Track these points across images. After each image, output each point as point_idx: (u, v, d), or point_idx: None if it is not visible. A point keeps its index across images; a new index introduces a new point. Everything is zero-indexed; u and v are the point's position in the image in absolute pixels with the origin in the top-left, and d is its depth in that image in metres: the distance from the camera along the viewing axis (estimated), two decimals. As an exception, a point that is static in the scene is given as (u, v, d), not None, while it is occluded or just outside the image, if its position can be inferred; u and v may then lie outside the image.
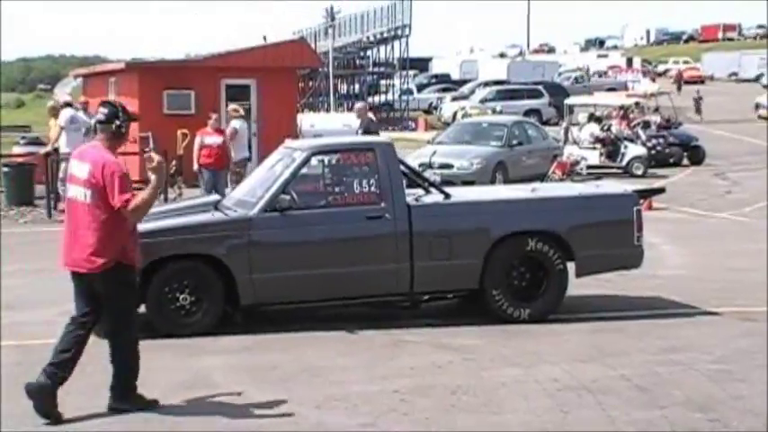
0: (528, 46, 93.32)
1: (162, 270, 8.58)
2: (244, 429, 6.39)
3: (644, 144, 27.20)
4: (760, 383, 7.21)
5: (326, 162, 9.44)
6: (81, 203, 6.48)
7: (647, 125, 29.32)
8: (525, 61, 72.45)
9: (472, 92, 52.72)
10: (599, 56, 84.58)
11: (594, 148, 26.26)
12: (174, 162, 18.25)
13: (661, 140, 28.41)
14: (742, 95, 55.49)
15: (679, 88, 57.75)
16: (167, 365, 7.71)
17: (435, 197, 9.74)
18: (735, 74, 75.13)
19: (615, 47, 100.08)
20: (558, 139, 27.23)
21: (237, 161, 16.79)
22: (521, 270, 9.39)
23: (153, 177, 6.39)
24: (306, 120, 29.76)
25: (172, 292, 8.71)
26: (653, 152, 27.39)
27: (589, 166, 24.91)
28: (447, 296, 9.80)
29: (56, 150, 17.64)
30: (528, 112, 41.31)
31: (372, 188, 9.20)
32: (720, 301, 10.32)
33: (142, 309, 8.60)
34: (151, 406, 6.69)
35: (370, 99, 49.44)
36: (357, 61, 50.88)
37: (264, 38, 41.57)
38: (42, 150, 19.09)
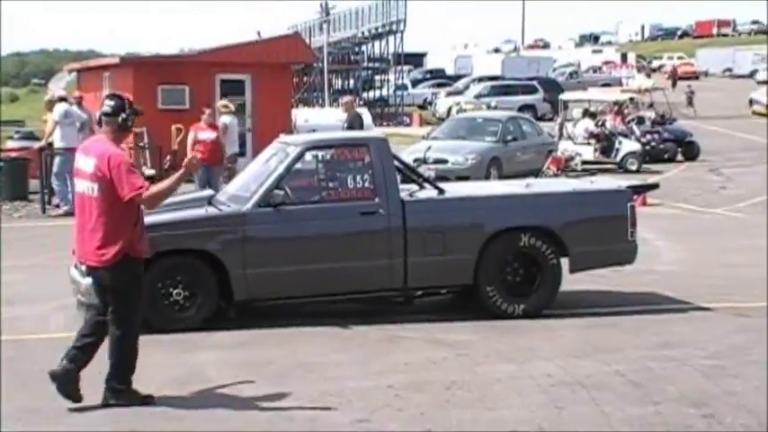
0: (522, 41, 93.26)
1: (155, 265, 8.56)
2: (238, 425, 6.39)
3: (638, 140, 27.21)
4: (754, 379, 7.23)
5: (320, 157, 9.43)
6: (88, 197, 6.52)
7: (641, 121, 29.34)
8: (520, 57, 72.46)
9: (467, 87, 52.67)
10: (593, 51, 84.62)
11: (589, 144, 26.27)
12: (168, 157, 18.23)
13: (655, 136, 28.43)
14: (736, 91, 55.55)
15: (674, 84, 57.84)
16: (162, 361, 7.70)
17: (429, 193, 9.74)
18: (729, 70, 75.22)
19: (610, 42, 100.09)
20: (552, 134, 27.22)
21: (228, 157, 16.78)
22: (514, 266, 9.40)
23: (182, 171, 6.46)
24: (300, 115, 29.72)
25: (165, 287, 8.69)
26: (647, 148, 27.41)
27: (584, 162, 24.93)
28: (441, 292, 9.80)
29: (50, 145, 17.59)
30: (522, 108, 41.29)
31: (366, 183, 9.20)
32: (714, 297, 10.33)
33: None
34: (146, 401, 6.68)
35: (364, 94, 49.44)
36: (352, 56, 50.82)
37: (259, 33, 41.52)
38: (36, 145, 19.04)
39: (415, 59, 68.70)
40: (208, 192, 10.70)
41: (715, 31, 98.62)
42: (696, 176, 25.53)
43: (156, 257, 8.58)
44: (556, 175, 21.85)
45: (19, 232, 15.18)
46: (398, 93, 50.05)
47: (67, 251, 9.51)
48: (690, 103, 44.59)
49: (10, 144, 22.68)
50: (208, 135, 16.13)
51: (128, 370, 6.66)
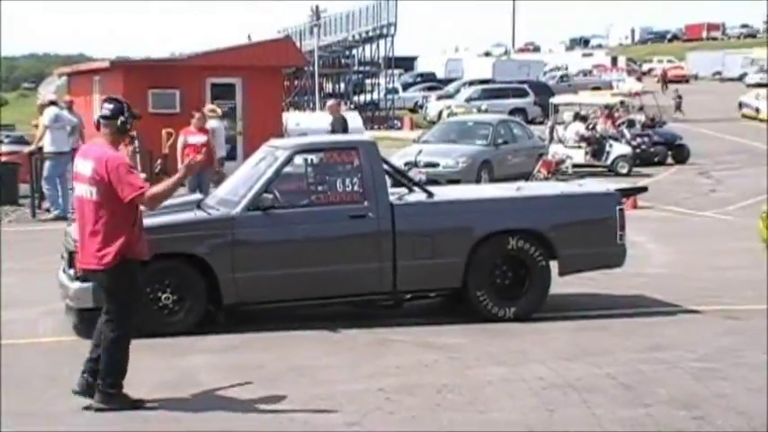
0: (513, 45, 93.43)
1: (144, 269, 8.55)
2: (229, 429, 6.38)
3: (629, 143, 27.29)
4: (743, 381, 7.25)
5: (309, 161, 9.42)
6: (87, 200, 6.54)
7: (631, 124, 29.43)
8: (510, 60, 72.52)
9: (457, 91, 52.75)
10: (584, 55, 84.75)
11: (580, 147, 26.33)
12: (159, 161, 18.19)
13: (646, 139, 28.51)
14: (726, 94, 55.73)
15: (665, 86, 57.95)
16: (152, 365, 7.68)
17: (419, 196, 9.75)
18: (719, 73, 75.44)
19: (600, 46, 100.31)
20: (543, 137, 27.28)
21: (216, 160, 16.76)
22: (503, 269, 9.40)
23: (181, 172, 6.51)
24: (291, 118, 29.70)
25: (154, 291, 8.67)
26: (638, 151, 27.48)
27: (574, 165, 24.98)
28: (430, 295, 9.80)
29: (40, 149, 17.55)
30: (513, 111, 41.37)
31: (355, 187, 9.20)
32: (704, 300, 10.36)
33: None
34: (137, 406, 6.67)
35: (355, 98, 49.47)
36: (342, 60, 50.86)
37: (249, 37, 41.56)
38: (27, 149, 19.00)
39: (406, 63, 68.71)
40: (197, 195, 10.69)
41: (705, 34, 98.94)
42: (686, 179, 25.60)
43: (144, 261, 8.57)
44: (546, 179, 21.90)
45: (9, 236, 15.13)
46: (389, 96, 50.10)
47: (57, 255, 9.51)
48: (678, 108, 44.67)
49: (0, 148, 22.59)
50: (198, 139, 16.10)
51: (119, 373, 6.64)
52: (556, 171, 23.63)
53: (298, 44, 38.94)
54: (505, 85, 50.08)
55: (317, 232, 9.10)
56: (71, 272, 8.66)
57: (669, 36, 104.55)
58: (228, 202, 9.18)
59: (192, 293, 8.75)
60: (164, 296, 8.68)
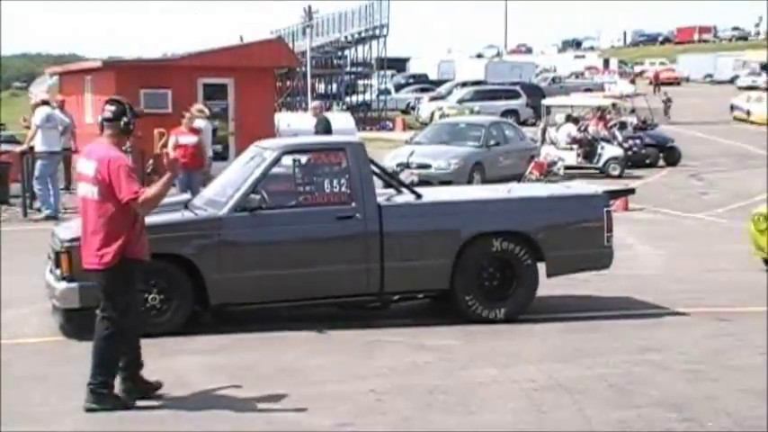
0: (505, 47, 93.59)
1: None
2: (219, 429, 6.38)
3: (620, 145, 27.34)
4: (734, 383, 7.27)
5: (297, 162, 9.40)
6: (90, 200, 6.61)
7: (623, 126, 29.47)
8: (503, 62, 72.56)
9: (450, 92, 52.74)
10: (576, 57, 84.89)
11: (571, 149, 26.37)
12: (150, 161, 18.14)
13: (637, 141, 28.56)
14: (717, 97, 55.86)
15: (657, 89, 58.01)
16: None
17: (406, 197, 9.74)
18: (710, 75, 75.61)
19: (592, 48, 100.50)
20: (535, 139, 27.32)
21: None
22: (490, 270, 9.39)
23: (168, 173, 6.54)
24: (283, 119, 29.66)
25: (141, 292, 8.62)
26: (629, 153, 27.54)
27: (566, 167, 25.00)
28: (417, 296, 9.79)
29: (31, 149, 17.50)
30: (505, 113, 41.38)
31: (343, 188, 9.18)
32: (695, 302, 10.39)
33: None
34: (128, 406, 6.67)
35: (347, 99, 49.44)
36: (335, 61, 50.81)
37: (241, 37, 41.52)
38: (18, 149, 18.94)
39: (398, 64, 68.69)
40: (185, 196, 10.67)
41: (696, 36, 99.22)
42: (677, 182, 25.66)
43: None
44: (538, 180, 21.91)
45: (0, 236, 15.07)
46: (381, 97, 50.11)
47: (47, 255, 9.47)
48: (666, 112, 44.77)
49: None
50: (189, 139, 16.07)
51: (110, 373, 6.65)
52: (547, 173, 23.63)
53: (290, 45, 38.95)
54: (497, 87, 50.08)
55: (305, 233, 9.08)
56: (57, 272, 8.64)
57: (661, 38, 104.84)
58: (216, 203, 9.15)
59: (179, 294, 8.71)
60: (150, 296, 8.64)
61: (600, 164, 26.24)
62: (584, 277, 10.59)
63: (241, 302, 9.03)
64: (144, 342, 8.17)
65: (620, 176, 25.39)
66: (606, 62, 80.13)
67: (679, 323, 9.48)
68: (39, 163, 17.13)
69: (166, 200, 10.11)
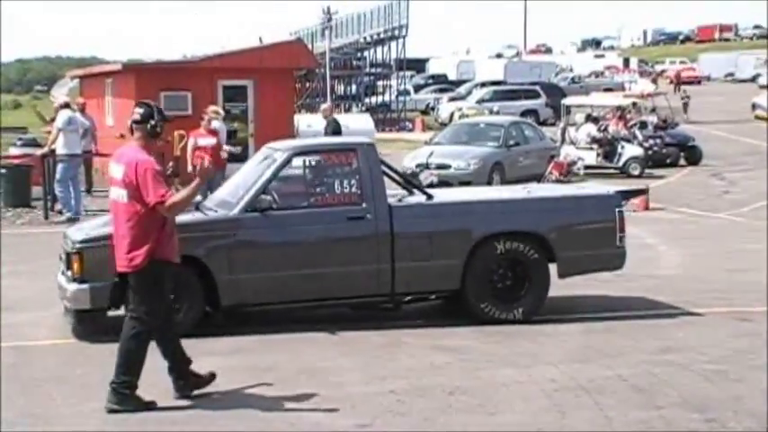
0: (525, 46, 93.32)
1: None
2: (241, 430, 6.39)
3: (641, 144, 27.23)
4: (757, 384, 7.22)
5: (308, 163, 9.40)
6: (120, 204, 6.70)
7: (643, 125, 29.34)
8: (522, 62, 72.41)
9: (469, 92, 52.70)
10: (596, 56, 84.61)
11: (591, 149, 26.29)
12: (171, 164, 18.21)
13: (658, 141, 28.43)
14: (739, 96, 55.53)
15: (677, 88, 57.73)
16: (162, 367, 7.68)
17: (418, 198, 9.73)
18: (731, 74, 75.16)
19: (612, 47, 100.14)
20: (554, 139, 27.26)
21: None
22: (502, 271, 9.35)
23: (197, 179, 6.58)
24: (303, 120, 29.74)
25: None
26: (650, 152, 27.42)
27: (586, 167, 24.94)
28: (429, 297, 9.76)
29: (53, 152, 17.61)
30: (525, 113, 41.30)
31: (354, 189, 9.18)
32: (717, 302, 10.33)
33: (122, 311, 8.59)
34: (150, 407, 6.70)
35: (367, 100, 49.47)
36: (354, 62, 50.81)
37: (261, 39, 41.58)
38: (39, 152, 19.06)
39: (418, 65, 68.69)
40: (198, 197, 10.68)
41: (717, 35, 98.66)
42: (699, 181, 25.53)
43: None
44: (558, 180, 21.86)
45: (20, 238, 15.20)
46: (401, 98, 50.08)
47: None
48: (685, 110, 44.54)
49: (13, 151, 22.67)
50: (208, 141, 16.15)
51: (134, 373, 6.69)
52: (568, 173, 23.60)
53: (309, 46, 38.99)
54: (517, 87, 49.97)
55: (315, 234, 9.07)
56: (69, 273, 8.68)
57: (681, 37, 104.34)
58: (227, 204, 9.16)
59: (190, 295, 8.71)
60: None
61: (620, 164, 26.14)
62: (604, 277, 10.54)
63: (252, 303, 9.02)
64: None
65: (640, 176, 25.28)
66: (626, 61, 79.82)
67: (700, 323, 9.43)
68: (60, 166, 17.23)
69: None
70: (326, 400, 6.90)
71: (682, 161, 29.12)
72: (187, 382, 6.96)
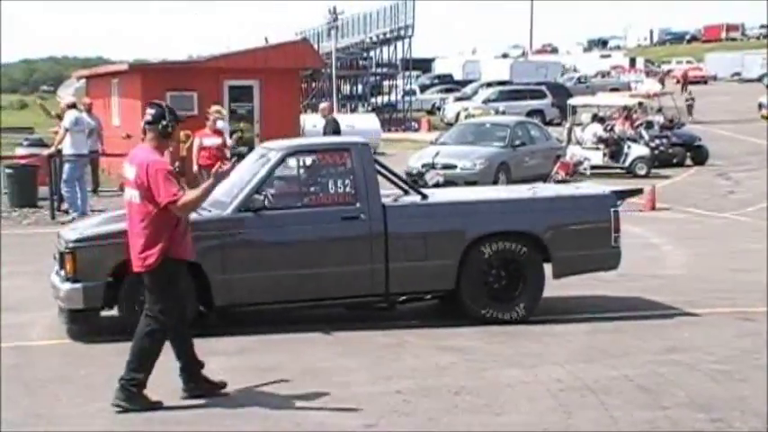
0: (531, 46, 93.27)
1: (134, 272, 8.53)
2: (247, 430, 6.40)
3: (647, 144, 27.20)
4: (762, 384, 7.21)
5: (302, 162, 9.39)
6: (133, 204, 6.74)
7: (650, 125, 29.30)
8: (528, 62, 72.39)
9: (475, 92, 52.69)
10: (602, 56, 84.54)
11: (597, 149, 26.27)
12: (177, 163, 18.24)
13: (664, 140, 28.39)
14: (745, 95, 55.40)
15: (684, 88, 57.63)
16: (167, 367, 7.66)
17: (412, 198, 9.72)
18: (738, 74, 75.02)
19: (618, 47, 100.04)
20: (560, 139, 27.24)
21: None
22: (497, 271, 9.33)
23: (211, 180, 6.57)
24: (309, 120, 29.76)
25: (144, 293, 8.61)
26: (656, 152, 27.39)
27: (592, 167, 24.93)
28: (424, 297, 9.74)
29: (59, 152, 17.65)
30: (531, 113, 41.31)
31: (348, 188, 9.16)
32: (721, 302, 10.32)
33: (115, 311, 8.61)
34: (155, 407, 6.71)
35: (373, 100, 49.49)
36: (360, 62, 50.87)
37: (266, 39, 41.61)
38: (46, 152, 19.10)
39: (424, 65, 68.74)
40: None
41: (724, 35, 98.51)
42: (705, 181, 25.50)
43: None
44: (564, 180, 21.85)
45: (27, 238, 15.22)
46: (407, 98, 50.10)
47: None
48: (689, 111, 44.43)
49: (19, 151, 22.73)
50: (213, 141, 16.17)
51: (145, 371, 6.71)
52: (574, 173, 23.59)
53: (315, 46, 39.03)
54: (523, 87, 49.98)
55: (309, 233, 9.05)
56: (62, 273, 8.69)
57: (688, 37, 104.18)
58: (220, 204, 9.13)
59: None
60: None
61: (626, 163, 26.12)
62: (608, 277, 10.54)
63: (246, 303, 9.00)
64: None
65: (646, 176, 25.25)
66: (633, 61, 79.72)
67: (705, 323, 9.42)
68: (66, 166, 17.26)
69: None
70: (331, 399, 6.91)
71: (688, 161, 29.08)
72: (198, 384, 6.97)
